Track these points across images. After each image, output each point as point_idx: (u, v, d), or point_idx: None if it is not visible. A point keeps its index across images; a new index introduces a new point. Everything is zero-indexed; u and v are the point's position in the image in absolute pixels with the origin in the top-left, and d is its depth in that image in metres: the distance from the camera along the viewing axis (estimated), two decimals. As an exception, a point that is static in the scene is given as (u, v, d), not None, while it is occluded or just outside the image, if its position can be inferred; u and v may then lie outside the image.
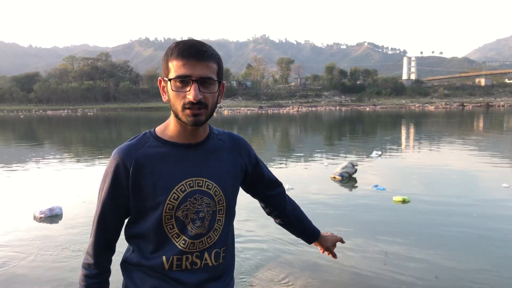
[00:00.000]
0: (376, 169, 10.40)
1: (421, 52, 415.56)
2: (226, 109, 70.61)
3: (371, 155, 12.66)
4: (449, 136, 21.02)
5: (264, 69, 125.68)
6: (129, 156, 1.26)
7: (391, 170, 10.40)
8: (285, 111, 65.90)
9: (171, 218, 1.27)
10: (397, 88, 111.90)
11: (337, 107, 77.56)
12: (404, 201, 6.73)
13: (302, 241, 1.79)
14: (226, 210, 1.37)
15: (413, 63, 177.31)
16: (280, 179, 1.65)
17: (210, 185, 1.32)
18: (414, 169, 10.48)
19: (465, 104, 76.16)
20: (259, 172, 1.53)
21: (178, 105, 1.23)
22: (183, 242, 1.28)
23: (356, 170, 9.20)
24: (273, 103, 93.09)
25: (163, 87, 1.28)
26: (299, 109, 68.21)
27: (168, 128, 1.33)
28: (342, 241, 1.79)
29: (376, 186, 8.02)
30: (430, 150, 14.66)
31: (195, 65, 1.19)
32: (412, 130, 25.66)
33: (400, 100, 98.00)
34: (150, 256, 1.30)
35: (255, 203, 1.73)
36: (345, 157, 12.65)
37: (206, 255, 1.32)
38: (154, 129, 1.35)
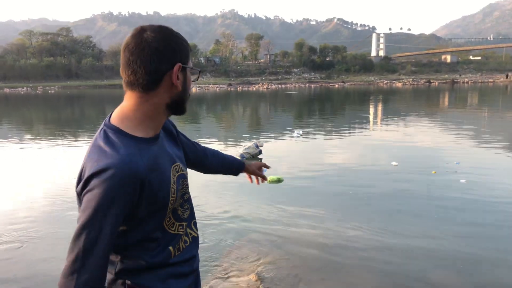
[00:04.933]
0: (283, 150, 10.47)
1: (390, 29, 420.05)
2: (194, 86, 69.71)
3: (292, 135, 12.64)
4: (403, 114, 21.59)
5: (233, 45, 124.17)
6: (142, 169, 1.16)
7: (296, 151, 10.38)
8: (254, 88, 65.61)
9: (170, 212, 1.30)
10: (366, 65, 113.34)
11: (307, 84, 77.83)
12: (278, 181, 7.00)
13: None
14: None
15: (382, 40, 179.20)
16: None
17: (182, 167, 1.39)
18: (322, 149, 10.54)
19: (431, 81, 78.01)
20: (184, 141, 1.59)
21: (187, 94, 1.28)
22: (180, 227, 1.35)
23: (260, 151, 9.12)
24: (243, 80, 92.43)
25: (177, 74, 1.22)
26: (269, 87, 68.03)
27: (138, 123, 1.22)
28: (266, 166, 1.95)
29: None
30: (365, 131, 14.48)
31: None
32: (372, 109, 26.17)
33: (369, 77, 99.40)
34: (155, 253, 1.28)
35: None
36: (270, 136, 12.88)
37: (189, 229, 1.42)
38: (115, 126, 1.21)
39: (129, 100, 1.23)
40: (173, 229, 1.32)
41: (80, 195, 1.13)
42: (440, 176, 7.26)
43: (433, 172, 7.53)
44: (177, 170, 1.33)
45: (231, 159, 1.85)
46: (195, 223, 1.46)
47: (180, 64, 1.21)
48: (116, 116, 1.23)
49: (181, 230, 1.35)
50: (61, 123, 19.25)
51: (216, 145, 11.15)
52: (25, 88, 69.70)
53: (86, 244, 1.09)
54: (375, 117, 19.83)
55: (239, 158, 7.91)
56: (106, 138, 1.17)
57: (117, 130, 1.19)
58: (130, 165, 1.12)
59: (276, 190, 6.69)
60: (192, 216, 1.45)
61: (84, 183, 1.12)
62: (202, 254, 4.07)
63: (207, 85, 72.46)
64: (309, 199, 6.10)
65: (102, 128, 1.21)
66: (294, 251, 4.28)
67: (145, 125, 1.23)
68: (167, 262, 1.30)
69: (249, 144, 9.33)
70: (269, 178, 6.79)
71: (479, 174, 7.34)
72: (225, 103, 33.95)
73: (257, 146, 9.15)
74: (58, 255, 4.06)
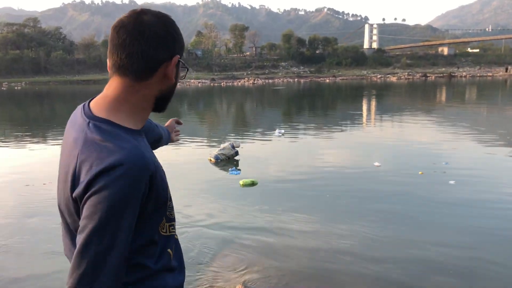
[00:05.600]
0: (262, 151, 10.62)
1: (383, 19, 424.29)
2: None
3: (274, 133, 12.77)
4: (396, 110, 21.94)
5: (216, 37, 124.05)
6: (151, 162, 1.11)
7: (274, 151, 10.56)
8: (240, 83, 65.67)
9: (167, 208, 1.27)
10: (358, 58, 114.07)
11: (296, 79, 78.12)
12: (252, 184, 7.18)
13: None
14: None
15: (375, 31, 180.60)
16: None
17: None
18: (303, 149, 10.73)
19: (428, 75, 78.99)
20: (146, 130, 1.52)
21: (174, 90, 1.28)
22: (171, 228, 1.29)
23: (236, 152, 9.18)
24: (227, 74, 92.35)
25: (172, 68, 1.20)
26: (255, 82, 68.14)
27: (128, 114, 1.16)
28: (179, 122, 2.02)
29: (232, 170, 8.13)
30: (353, 129, 14.61)
31: None
32: (365, 106, 26.49)
33: (361, 70, 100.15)
34: (158, 258, 1.22)
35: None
36: (251, 135, 13.12)
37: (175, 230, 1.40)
38: (105, 118, 1.13)
39: (116, 88, 1.16)
40: (164, 230, 1.25)
41: (82, 199, 1.03)
42: (427, 177, 7.40)
43: (420, 173, 7.66)
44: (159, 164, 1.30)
45: (164, 129, 1.84)
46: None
47: (178, 56, 1.19)
48: (101, 107, 1.16)
49: (173, 230, 1.30)
50: (29, 123, 19.10)
51: (194, 145, 11.25)
52: (-12, 84, 68.65)
53: (98, 255, 0.99)
54: (367, 114, 20.16)
55: (214, 159, 8.20)
56: (101, 131, 1.08)
57: (108, 123, 1.11)
58: (141, 159, 1.06)
59: (256, 193, 6.79)
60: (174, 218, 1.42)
61: (87, 185, 1.02)
62: (186, 263, 4.18)
63: (188, 80, 72.23)
64: (290, 203, 6.20)
65: (87, 122, 1.12)
66: (283, 259, 4.34)
67: (135, 116, 1.17)
68: (170, 266, 1.26)
69: (225, 144, 9.38)
70: (242, 181, 7.25)
71: (469, 175, 7.48)
72: (207, 100, 33.99)
73: (233, 147, 9.20)
74: (28, 269, 4.14)
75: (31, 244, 4.79)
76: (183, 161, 9.16)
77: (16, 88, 60.19)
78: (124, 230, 1.03)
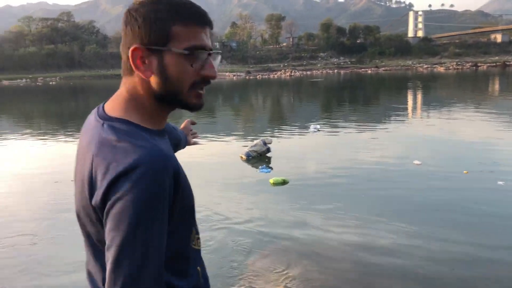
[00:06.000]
0: (294, 147, 10.57)
1: (429, 6, 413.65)
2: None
3: (307, 130, 12.68)
4: (444, 103, 21.36)
5: (251, 28, 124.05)
6: (174, 161, 1.05)
7: (307, 148, 10.47)
8: (276, 76, 65.73)
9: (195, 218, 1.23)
10: (402, 47, 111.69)
11: (335, 70, 77.53)
12: (283, 182, 7.17)
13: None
14: None
15: (420, 18, 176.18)
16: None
17: None
18: (339, 146, 10.59)
19: (479, 64, 76.60)
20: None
21: (184, 84, 1.07)
22: (199, 241, 1.24)
23: (268, 149, 9.19)
24: (263, 67, 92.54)
25: (143, 58, 1.06)
26: (292, 74, 67.99)
27: (144, 112, 1.10)
28: (193, 122, 1.93)
29: (263, 167, 8.13)
30: (396, 124, 14.31)
31: (208, 34, 1.10)
32: (409, 98, 25.94)
33: (406, 60, 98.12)
34: (189, 277, 1.16)
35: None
36: (285, 131, 13.02)
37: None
38: (120, 118, 1.08)
39: (129, 86, 1.11)
40: (194, 243, 1.20)
41: (102, 208, 0.97)
42: (473, 177, 7.15)
43: (464, 172, 7.41)
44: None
45: (181, 132, 1.81)
46: None
47: (136, 47, 1.06)
48: (116, 107, 1.10)
49: (200, 244, 1.24)
50: (64, 118, 19.80)
51: (226, 141, 11.42)
52: (24, 80, 71.43)
53: (132, 269, 0.93)
54: (412, 108, 19.79)
55: (245, 157, 8.23)
56: (116, 130, 1.03)
57: (124, 122, 1.06)
58: (162, 157, 0.99)
59: (287, 192, 6.80)
60: None
61: (106, 191, 0.96)
62: (224, 262, 4.35)
63: (223, 73, 72.84)
64: (323, 202, 6.18)
65: (101, 123, 1.07)
66: (325, 261, 4.32)
67: (154, 115, 1.12)
68: (199, 286, 1.18)
69: (256, 141, 9.37)
70: (272, 179, 7.26)
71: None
72: (242, 94, 34.24)
73: (264, 144, 9.19)
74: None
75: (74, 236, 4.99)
76: (213, 159, 9.26)
77: (51, 83, 62.42)
78: (157, 236, 0.96)
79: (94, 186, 0.99)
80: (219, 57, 1.16)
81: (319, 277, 4.03)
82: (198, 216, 4.28)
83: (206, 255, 4.27)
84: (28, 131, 14.71)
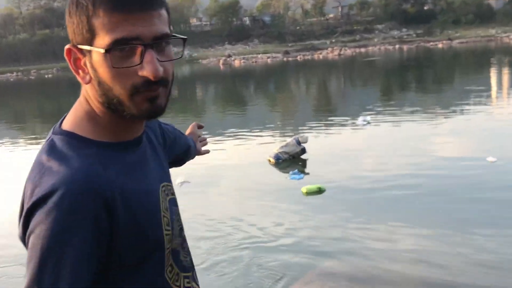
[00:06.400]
0: (337, 146, 10.58)
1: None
2: (237, 58, 70.46)
3: (356, 122, 12.67)
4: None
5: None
6: (105, 183, 1.05)
7: (353, 146, 10.43)
8: (321, 55, 65.36)
9: (169, 255, 1.23)
10: (483, 14, 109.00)
11: (397, 46, 76.29)
12: (319, 191, 7.21)
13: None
14: None
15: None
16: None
17: (172, 189, 1.34)
18: (389, 144, 10.42)
19: None
20: (171, 137, 1.56)
21: (121, 89, 1.05)
22: (187, 280, 1.29)
23: (303, 150, 9.14)
24: (304, 45, 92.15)
25: (79, 61, 1.11)
26: (342, 52, 67.52)
27: (96, 123, 1.13)
28: (200, 126, 1.99)
29: (294, 173, 8.14)
30: (471, 112, 13.88)
31: (143, 18, 1.03)
32: (492, 78, 25.39)
33: (488, 30, 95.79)
34: None
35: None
36: (327, 125, 13.25)
37: (195, 284, 1.38)
38: (68, 131, 1.12)
39: (82, 91, 1.17)
40: (178, 283, 1.25)
41: (24, 241, 1.04)
42: None
43: None
44: (166, 192, 1.27)
45: (189, 139, 1.85)
46: (196, 275, 1.41)
47: (69, 47, 1.13)
48: (70, 116, 1.17)
49: (189, 285, 1.30)
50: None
51: (255, 140, 11.62)
52: (14, 74, 73.34)
53: None
54: (495, 90, 19.29)
55: (274, 160, 8.29)
56: (52, 149, 1.08)
57: (69, 135, 1.10)
58: (84, 179, 1.01)
59: (325, 204, 6.84)
60: (192, 263, 1.39)
61: (24, 222, 1.03)
62: None
63: (254, 55, 73.01)
64: (371, 215, 6.21)
65: (48, 138, 1.12)
66: None
67: (108, 126, 1.14)
68: None
69: (289, 140, 9.32)
70: (305, 188, 7.31)
71: None
72: (279, 80, 34.43)
73: (298, 143, 9.13)
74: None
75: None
76: (234, 163, 9.38)
77: (46, 76, 63.87)
78: (70, 275, 0.97)
79: (21, 214, 1.05)
80: (170, 47, 1.10)
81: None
82: (209, 234, 4.52)
83: (228, 283, 4.39)
84: (21, 135, 15.28)
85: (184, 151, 1.72)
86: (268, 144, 10.95)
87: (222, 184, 7.85)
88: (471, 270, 4.58)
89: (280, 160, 8.93)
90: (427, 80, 26.48)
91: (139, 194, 1.11)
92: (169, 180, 1.33)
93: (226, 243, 5.54)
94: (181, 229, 1.32)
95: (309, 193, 7.14)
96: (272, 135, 12.23)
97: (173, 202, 1.29)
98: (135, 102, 1.06)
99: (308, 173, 8.21)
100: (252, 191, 7.56)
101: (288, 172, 8.25)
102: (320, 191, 7.21)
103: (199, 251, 5.24)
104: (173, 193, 1.31)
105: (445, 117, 13.22)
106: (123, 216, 1.05)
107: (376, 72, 34.23)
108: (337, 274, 4.65)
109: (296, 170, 8.24)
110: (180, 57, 1.18)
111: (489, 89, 19.76)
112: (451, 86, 22.99)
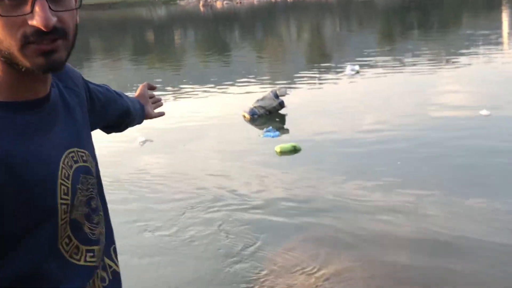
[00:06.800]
0: (318, 99, 10.67)
1: None
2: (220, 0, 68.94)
3: (344, 72, 12.72)
4: None
5: None
6: None
7: (337, 98, 10.63)
8: (313, -5, 64.46)
9: (66, 226, 1.20)
10: None
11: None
12: (294, 150, 7.21)
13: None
14: (99, 185, 1.41)
15: None
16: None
17: (85, 156, 1.32)
18: (380, 94, 10.65)
19: None
20: (102, 105, 1.59)
21: (12, 40, 1.04)
22: (90, 255, 1.28)
23: (281, 104, 9.12)
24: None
25: None
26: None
27: None
28: (152, 87, 2.06)
29: (268, 130, 8.16)
30: (467, 61, 13.94)
31: None
32: (506, 21, 25.25)
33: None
34: None
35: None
36: (310, 76, 13.34)
37: (108, 260, 1.39)
38: None
39: None
40: (78, 257, 1.24)
41: None
42: None
43: None
44: (75, 159, 1.25)
45: (135, 102, 1.87)
46: (115, 250, 1.42)
47: None
48: None
49: (93, 259, 1.28)
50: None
51: (232, 94, 11.65)
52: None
53: None
54: (507, 34, 19.01)
55: (249, 115, 8.13)
56: None
57: None
58: None
59: (300, 163, 6.90)
60: (110, 238, 1.40)
61: None
62: (230, 259, 4.45)
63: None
64: (353, 175, 6.29)
65: None
66: (371, 256, 4.40)
67: (9, 82, 1.13)
68: None
69: (266, 93, 9.34)
70: (279, 147, 7.43)
71: None
72: (266, 24, 33.97)
73: (276, 96, 9.12)
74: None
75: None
76: (207, 119, 9.37)
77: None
78: None
79: None
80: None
81: (362, 275, 4.11)
82: (176, 196, 4.52)
83: (204, 251, 4.45)
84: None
85: (119, 114, 1.71)
86: (247, 96, 10.96)
87: (191, 143, 7.82)
88: (463, 225, 4.82)
89: (256, 116, 8.91)
90: (431, 22, 26.23)
91: (27, 158, 1.10)
92: (83, 146, 1.31)
93: (194, 206, 5.62)
94: (90, 199, 1.30)
95: (283, 152, 7.15)
96: (252, 87, 12.15)
97: (83, 170, 1.27)
98: (26, 54, 1.04)
99: (285, 130, 8.16)
100: (223, 151, 7.62)
101: (263, 129, 8.17)
102: (295, 150, 7.21)
103: (165, 215, 5.37)
104: (85, 160, 1.29)
105: (444, 67, 13.32)
106: (4, 182, 1.03)
107: (374, 15, 33.94)
108: (320, 239, 4.80)
109: (270, 127, 8.23)
110: (79, 7, 1.16)
111: (501, 31, 19.39)
112: (457, 30, 23.05)
